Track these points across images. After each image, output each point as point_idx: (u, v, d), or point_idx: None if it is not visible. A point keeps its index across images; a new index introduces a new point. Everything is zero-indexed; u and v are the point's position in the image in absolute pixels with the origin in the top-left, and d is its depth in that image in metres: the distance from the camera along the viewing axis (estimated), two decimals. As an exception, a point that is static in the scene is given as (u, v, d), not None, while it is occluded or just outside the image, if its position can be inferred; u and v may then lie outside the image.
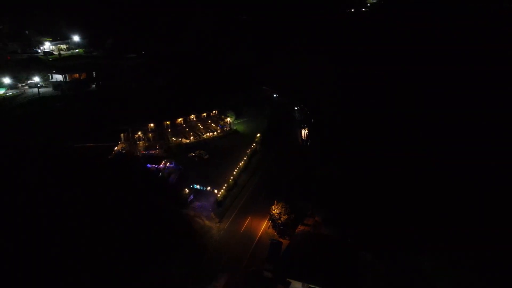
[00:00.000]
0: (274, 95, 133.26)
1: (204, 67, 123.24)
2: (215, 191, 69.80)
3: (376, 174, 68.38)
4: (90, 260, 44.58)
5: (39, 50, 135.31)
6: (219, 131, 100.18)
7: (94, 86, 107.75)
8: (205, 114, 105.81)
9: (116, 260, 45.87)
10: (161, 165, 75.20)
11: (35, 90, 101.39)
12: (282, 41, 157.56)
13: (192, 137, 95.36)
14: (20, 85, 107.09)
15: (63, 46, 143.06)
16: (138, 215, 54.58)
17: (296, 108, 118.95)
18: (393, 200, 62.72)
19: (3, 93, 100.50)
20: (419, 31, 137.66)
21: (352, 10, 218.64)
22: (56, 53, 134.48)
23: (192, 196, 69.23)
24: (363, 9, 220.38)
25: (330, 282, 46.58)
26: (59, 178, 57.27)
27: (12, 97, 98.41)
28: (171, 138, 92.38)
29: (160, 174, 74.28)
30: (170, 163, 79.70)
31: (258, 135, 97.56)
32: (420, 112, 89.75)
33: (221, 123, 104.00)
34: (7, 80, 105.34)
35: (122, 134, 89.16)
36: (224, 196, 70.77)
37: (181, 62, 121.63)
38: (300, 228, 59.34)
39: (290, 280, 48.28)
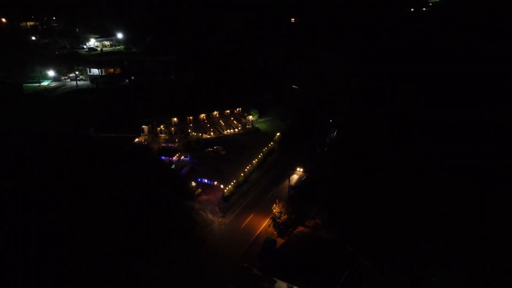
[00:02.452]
0: (302, 95, 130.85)
1: (232, 65, 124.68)
2: (222, 186, 70.51)
3: (386, 181, 64.82)
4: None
5: (84, 46, 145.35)
6: (239, 128, 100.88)
7: (127, 80, 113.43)
8: (228, 111, 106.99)
9: (110, 244, 48.20)
10: (175, 157, 77.41)
11: (74, 83, 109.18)
12: (321, 40, 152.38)
13: (212, 133, 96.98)
14: (62, 78, 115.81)
15: (106, 43, 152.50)
16: (139, 202, 56.90)
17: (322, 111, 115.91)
18: (400, 210, 59.21)
19: (47, 85, 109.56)
20: (488, 33, 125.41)
21: (412, 9, 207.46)
22: (99, 49, 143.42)
23: (200, 190, 70.55)
24: (424, 9, 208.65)
25: (314, 286, 45.26)
26: (76, 162, 61.33)
27: (53, 88, 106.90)
28: (192, 132, 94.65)
29: (173, 166, 76.58)
30: (185, 157, 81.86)
31: (278, 134, 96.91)
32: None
33: (243, 120, 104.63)
34: (51, 73, 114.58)
35: (146, 127, 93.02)
36: (232, 192, 71.29)
37: (210, 60, 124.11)
38: (300, 229, 58.28)
39: (276, 279, 47.63)
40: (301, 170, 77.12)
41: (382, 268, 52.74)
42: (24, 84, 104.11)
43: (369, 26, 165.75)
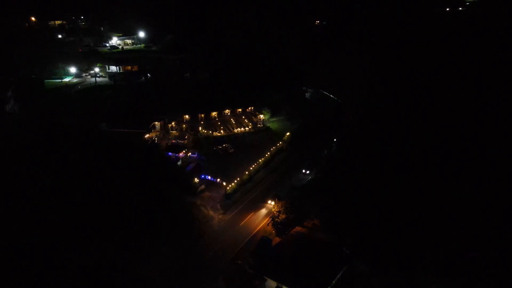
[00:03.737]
0: (318, 95, 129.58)
1: (248, 63, 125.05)
2: (224, 183, 71.05)
3: (389, 185, 62.90)
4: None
5: (107, 44, 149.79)
6: (250, 127, 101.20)
7: (143, 78, 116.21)
8: (240, 110, 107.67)
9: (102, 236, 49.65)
10: (181, 154, 78.67)
11: (94, 79, 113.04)
12: (343, 42, 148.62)
13: (222, 131, 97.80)
14: (83, 74, 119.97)
15: (128, 41, 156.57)
16: (139, 196, 58.26)
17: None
18: (402, 215, 57.46)
19: (68, 81, 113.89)
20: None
21: (448, 9, 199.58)
22: (120, 47, 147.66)
23: (203, 186, 71.43)
24: (460, 8, 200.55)
25: (303, 286, 44.86)
26: (83, 155, 63.43)
27: (74, 84, 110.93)
28: (202, 130, 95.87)
29: (180, 162, 77.88)
30: (193, 153, 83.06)
31: (288, 133, 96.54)
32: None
33: (254, 119, 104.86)
34: (73, 70, 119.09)
35: (158, 123, 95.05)
36: (235, 190, 71.69)
37: (226, 58, 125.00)
38: (297, 229, 57.78)
39: (266, 278, 47.56)
40: (273, 203, 66.47)
41: (379, 273, 51.62)
42: (47, 80, 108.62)
43: (398, 25, 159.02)
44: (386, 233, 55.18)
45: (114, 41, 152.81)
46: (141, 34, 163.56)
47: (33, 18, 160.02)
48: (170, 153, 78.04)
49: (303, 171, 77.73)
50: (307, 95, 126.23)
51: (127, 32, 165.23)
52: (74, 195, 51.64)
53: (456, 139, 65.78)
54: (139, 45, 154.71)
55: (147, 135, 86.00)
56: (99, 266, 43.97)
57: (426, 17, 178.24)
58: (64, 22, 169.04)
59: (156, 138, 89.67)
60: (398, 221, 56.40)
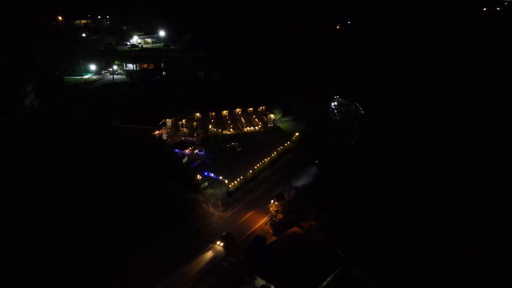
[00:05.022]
0: (335, 97, 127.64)
1: (262, 63, 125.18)
2: (226, 181, 71.55)
3: (391, 190, 61.27)
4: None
5: (128, 43, 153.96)
6: (260, 126, 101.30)
7: (158, 76, 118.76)
8: (251, 109, 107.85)
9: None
10: (187, 151, 79.89)
11: (112, 76, 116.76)
12: (364, 44, 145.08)
13: (232, 130, 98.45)
14: (102, 72, 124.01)
15: (149, 40, 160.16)
16: (141, 191, 59.74)
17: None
18: (403, 221, 55.93)
19: (87, 78, 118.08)
20: None
21: (485, 9, 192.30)
22: (140, 45, 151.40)
23: (207, 183, 72.27)
24: (498, 8, 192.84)
25: (288, 286, 44.64)
26: (92, 149, 65.65)
27: (92, 81, 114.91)
28: (212, 128, 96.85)
29: (186, 159, 79.11)
30: (200, 151, 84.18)
31: (297, 134, 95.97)
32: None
33: (265, 118, 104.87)
34: (93, 67, 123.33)
35: (169, 120, 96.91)
36: (237, 188, 72.12)
37: (240, 57, 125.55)
38: (294, 229, 57.57)
39: (256, 276, 47.63)
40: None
41: (374, 277, 50.57)
42: (67, 77, 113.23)
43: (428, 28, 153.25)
44: (383, 236, 54.04)
45: (135, 39, 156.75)
46: (162, 33, 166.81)
47: (60, 18, 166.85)
48: (176, 150, 79.35)
49: (306, 171, 77.12)
50: (333, 104, 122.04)
51: (149, 31, 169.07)
52: (72, 193, 53.41)
53: (456, 139, 63.45)
54: (158, 44, 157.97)
55: (156, 132, 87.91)
56: (90, 256, 45.47)
57: (463, 17, 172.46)
58: (89, 21, 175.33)
59: (166, 135, 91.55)
60: (396, 224, 55.10)
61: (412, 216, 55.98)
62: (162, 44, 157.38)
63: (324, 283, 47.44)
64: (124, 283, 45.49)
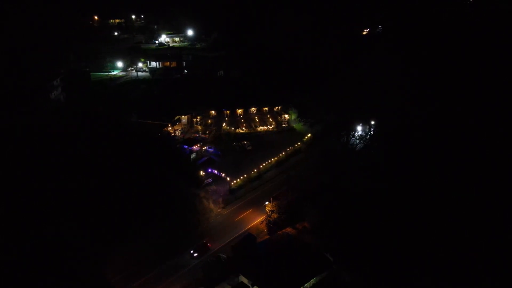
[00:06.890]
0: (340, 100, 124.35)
1: (281, 63, 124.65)
2: (228, 179, 72.40)
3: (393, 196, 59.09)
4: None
5: (156, 42, 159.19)
6: (274, 126, 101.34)
7: (179, 74, 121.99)
8: (266, 108, 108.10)
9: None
10: (195, 147, 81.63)
11: (138, 73, 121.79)
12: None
13: (245, 128, 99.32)
14: (129, 69, 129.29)
15: (176, 39, 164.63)
16: (144, 184, 62.05)
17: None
18: (401, 224, 53.95)
19: (114, 74, 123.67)
20: None
21: None
22: (167, 44, 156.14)
23: (210, 180, 73.56)
24: None
25: (269, 285, 44.66)
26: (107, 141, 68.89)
27: (117, 78, 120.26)
28: (225, 126, 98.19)
29: (194, 155, 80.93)
30: (209, 148, 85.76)
31: (309, 135, 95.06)
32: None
33: (279, 118, 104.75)
34: (120, 64, 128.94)
35: (185, 117, 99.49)
36: (240, 186, 72.78)
37: (260, 57, 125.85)
38: (287, 230, 57.30)
39: (240, 274, 48.08)
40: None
41: (362, 285, 49.27)
42: (95, 73, 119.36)
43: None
44: (378, 243, 52.41)
45: (163, 38, 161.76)
46: (190, 32, 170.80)
47: (96, 17, 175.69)
48: (185, 146, 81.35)
49: (309, 172, 76.12)
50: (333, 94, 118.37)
51: (178, 30, 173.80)
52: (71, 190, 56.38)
53: (455, 139, 60.09)
54: (185, 43, 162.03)
55: (169, 128, 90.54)
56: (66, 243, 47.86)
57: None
58: (123, 20, 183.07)
59: (181, 131, 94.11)
60: (394, 230, 53.18)
61: (412, 218, 53.84)
62: (188, 43, 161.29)
63: (308, 285, 46.94)
64: (103, 274, 47.41)
